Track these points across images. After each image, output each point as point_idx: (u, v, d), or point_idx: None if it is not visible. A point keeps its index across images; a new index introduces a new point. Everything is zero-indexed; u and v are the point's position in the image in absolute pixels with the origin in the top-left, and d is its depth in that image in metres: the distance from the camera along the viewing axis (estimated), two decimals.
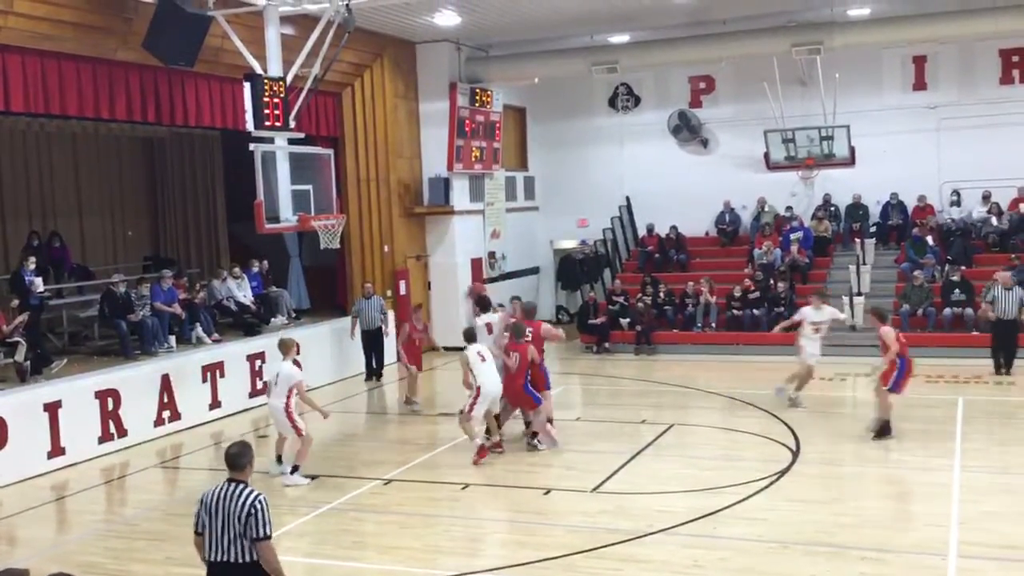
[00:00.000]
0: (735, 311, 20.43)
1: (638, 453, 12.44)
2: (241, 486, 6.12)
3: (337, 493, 11.12)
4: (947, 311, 19.07)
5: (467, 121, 21.51)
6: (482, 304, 14.16)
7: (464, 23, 18.97)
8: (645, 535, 9.39)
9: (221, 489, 6.14)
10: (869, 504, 10.35)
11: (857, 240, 21.99)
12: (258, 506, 6.01)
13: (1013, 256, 19.63)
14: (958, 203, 21.73)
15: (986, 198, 21.37)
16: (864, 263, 21.35)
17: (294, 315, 19.20)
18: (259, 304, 18.27)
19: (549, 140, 25.41)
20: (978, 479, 10.80)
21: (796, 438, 12.75)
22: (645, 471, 11.73)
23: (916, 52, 21.93)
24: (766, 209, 23.20)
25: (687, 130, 23.98)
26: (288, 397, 11.43)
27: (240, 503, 6.01)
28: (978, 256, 20.59)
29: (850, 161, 22.26)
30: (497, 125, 22.63)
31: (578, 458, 12.34)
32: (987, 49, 21.35)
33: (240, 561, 6.01)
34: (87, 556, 9.57)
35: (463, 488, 11.10)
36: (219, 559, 6.06)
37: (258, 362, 16.55)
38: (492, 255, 23.09)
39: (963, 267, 19.86)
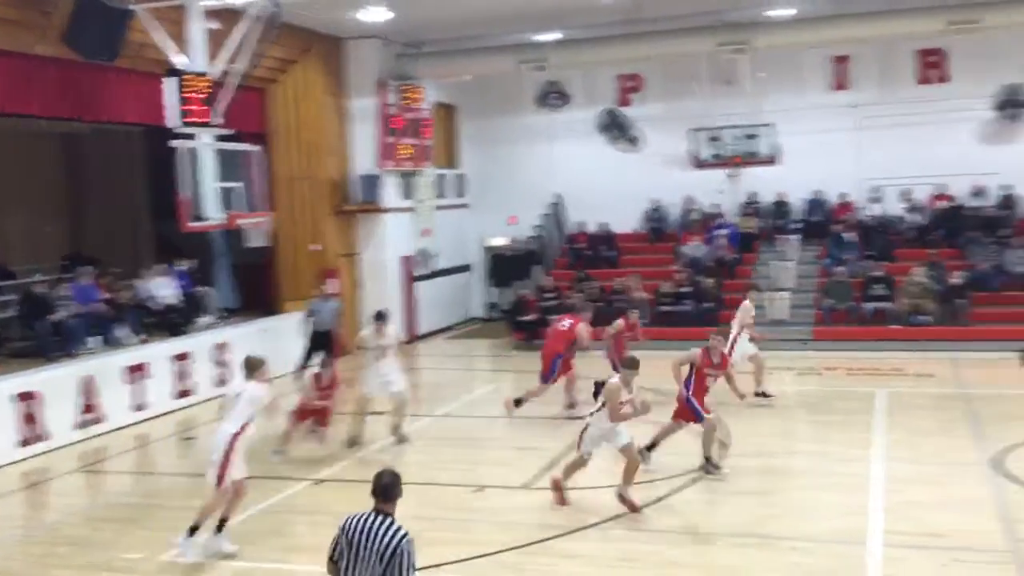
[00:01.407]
0: (665, 307, 20.66)
1: (571, 448, 12.50)
2: (388, 520, 5.62)
3: (268, 494, 10.97)
4: (869, 306, 19.57)
5: (396, 118, 21.39)
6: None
7: (394, 19, 18.85)
8: (577, 530, 9.45)
9: (366, 519, 5.63)
10: (796, 495, 10.58)
11: (781, 236, 22.42)
12: (405, 547, 5.51)
13: (931, 252, 20.26)
14: (879, 200, 22.29)
15: (905, 195, 21.97)
16: (788, 259, 21.77)
17: (222, 314, 18.88)
18: (185, 303, 17.93)
19: (480, 138, 25.40)
20: (897, 470, 11.09)
21: (727, 433, 12.95)
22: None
23: (838, 52, 22.42)
24: (694, 206, 23.53)
25: (616, 128, 24.16)
26: (243, 427, 9.14)
27: (386, 540, 5.51)
28: (898, 251, 21.16)
29: (775, 159, 22.71)
30: (427, 122, 22.54)
31: (510, 455, 12.37)
32: (905, 50, 21.93)
33: None
34: (6, 562, 9.31)
35: None
36: None
37: (183, 363, 16.24)
38: (423, 252, 23.01)
39: (884, 262, 20.41)
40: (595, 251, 23.45)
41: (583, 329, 14.57)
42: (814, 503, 10.27)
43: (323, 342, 17.34)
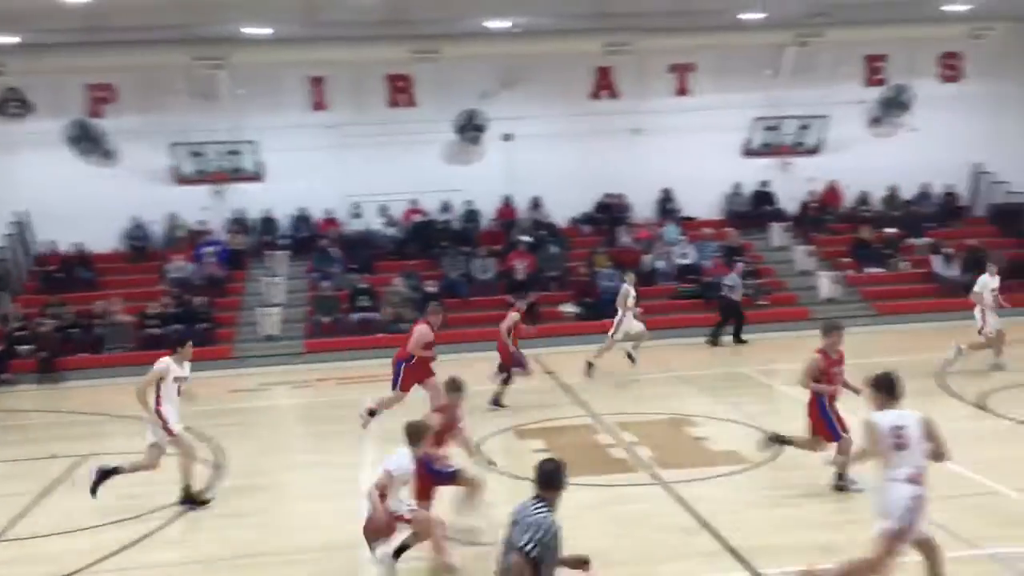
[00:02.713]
0: (152, 329, 19.69)
1: (47, 491, 11.39)
2: (541, 503, 6.09)
3: None
4: (355, 316, 20.45)
5: None
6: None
7: None
8: None
9: (524, 503, 6.17)
10: (292, 508, 10.65)
11: (270, 253, 22.55)
12: (541, 523, 5.89)
13: (408, 263, 21.75)
14: (359, 215, 23.39)
15: (383, 210, 23.32)
16: (278, 275, 21.97)
17: None
18: None
19: None
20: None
21: (222, 454, 12.68)
22: (57, 509, 10.76)
23: (315, 73, 23.13)
24: (179, 223, 22.75)
25: (87, 141, 22.53)
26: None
27: (530, 519, 5.95)
28: (379, 264, 22.37)
29: (260, 176, 22.79)
30: None
31: None
32: (377, 74, 23.28)
33: None
34: None
35: None
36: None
37: None
38: None
39: (367, 275, 21.46)
40: (69, 273, 21.63)
41: (419, 331, 13.26)
42: (312, 515, 10.39)
43: None
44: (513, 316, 15.28)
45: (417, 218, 23.47)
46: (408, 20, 20.32)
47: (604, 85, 24.13)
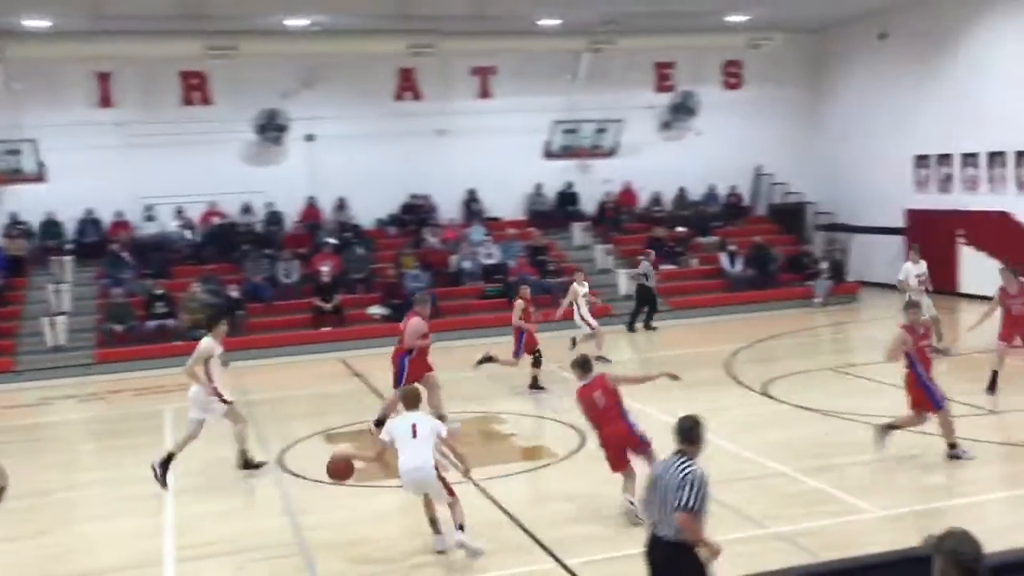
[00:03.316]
0: None
1: None
2: (684, 458, 6.12)
3: None
4: (151, 323, 19.56)
5: None
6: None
7: None
8: None
9: (667, 459, 6.23)
10: (85, 527, 10.10)
11: (54, 258, 21.20)
12: (691, 478, 5.97)
13: (207, 267, 20.99)
14: (153, 218, 22.38)
15: (179, 212, 22.41)
16: (63, 282, 20.69)
17: None
18: None
19: None
20: (186, 484, 11.16)
21: (2, 475, 11.84)
22: None
23: (101, 69, 21.93)
24: None
25: None
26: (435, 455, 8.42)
27: (678, 474, 6.01)
28: (176, 269, 21.48)
29: (42, 177, 21.41)
30: None
31: None
32: (169, 71, 22.35)
33: (668, 538, 5.97)
34: None
35: None
36: (655, 533, 6.09)
37: None
38: None
39: (163, 280, 20.56)
40: None
41: (413, 324, 12.71)
42: (106, 533, 9.90)
43: None
44: (520, 304, 15.41)
45: (216, 221, 22.69)
46: (202, 15, 19.57)
47: (408, 86, 24.14)
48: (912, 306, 11.02)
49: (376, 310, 20.76)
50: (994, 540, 4.91)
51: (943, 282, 21.88)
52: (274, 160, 23.37)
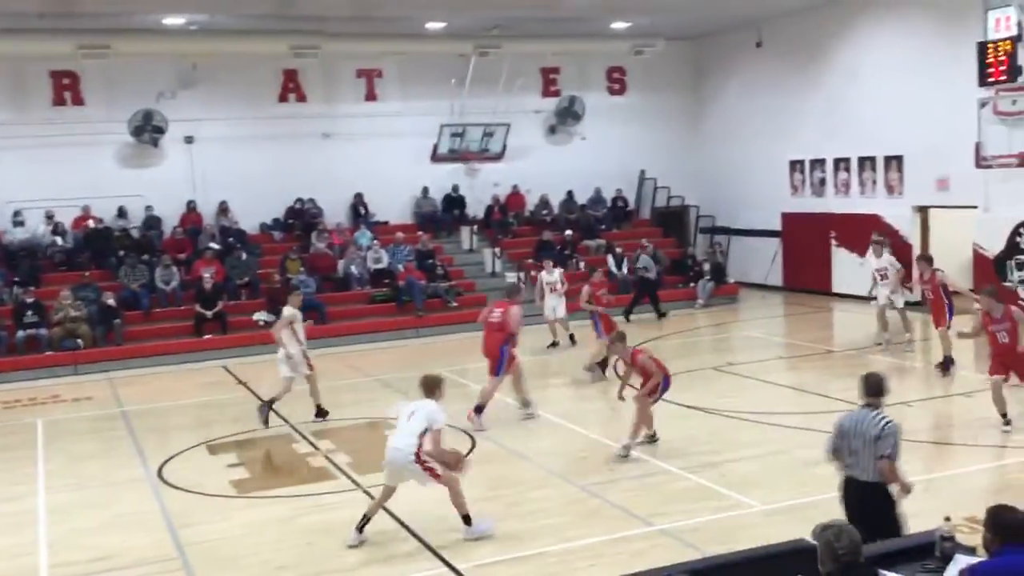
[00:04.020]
0: None
1: None
2: (877, 411, 6.77)
3: None
4: (21, 333, 18.69)
5: None
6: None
7: None
8: None
9: (857, 413, 6.87)
10: None
11: None
12: (890, 429, 6.66)
13: (81, 274, 20.18)
14: (22, 223, 21.39)
15: (50, 217, 21.48)
16: None
17: None
18: None
19: None
20: (61, 499, 10.79)
21: None
22: None
23: None
24: None
25: None
26: (420, 440, 8.64)
27: (874, 428, 6.66)
28: (46, 276, 20.58)
29: None
30: None
31: None
32: (38, 70, 21.43)
33: (864, 480, 6.69)
34: None
35: None
36: (859, 478, 6.72)
37: None
38: None
39: (33, 288, 19.66)
40: None
41: (516, 313, 13.28)
42: None
43: None
44: (587, 289, 16.01)
45: (90, 225, 21.82)
46: (73, 13, 18.81)
47: (292, 88, 23.70)
48: (988, 293, 11.50)
49: (261, 316, 20.32)
50: None
51: (818, 282, 22.74)
52: (152, 163, 22.64)
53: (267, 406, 13.31)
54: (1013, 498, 6.04)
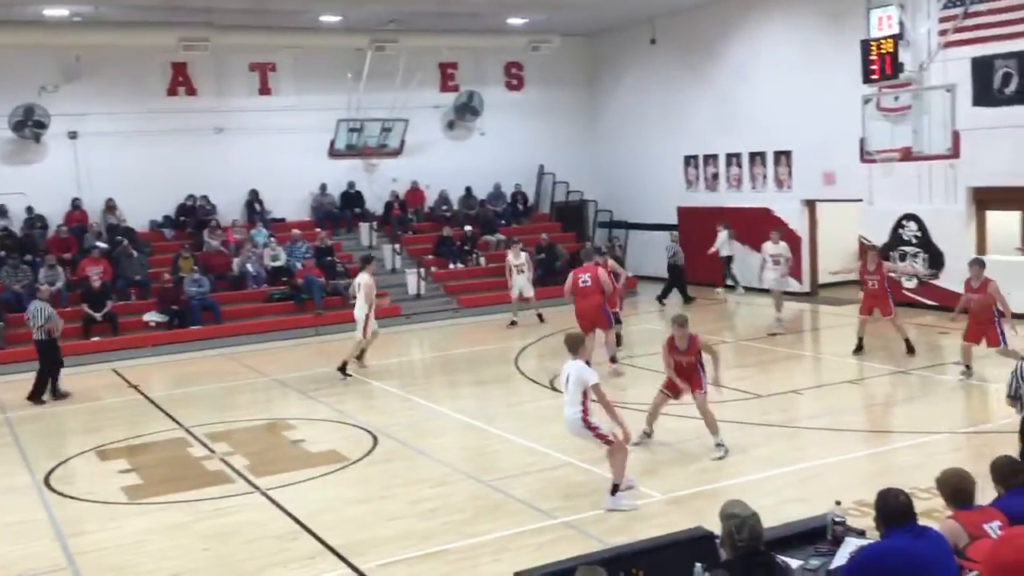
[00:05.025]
0: None
1: None
2: None
3: None
4: None
5: None
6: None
7: None
8: None
9: None
10: None
11: None
12: None
13: None
14: None
15: None
16: None
17: None
18: None
19: None
20: None
21: None
22: None
23: None
24: None
25: None
26: (584, 404, 9.01)
27: None
28: None
29: None
30: None
31: None
32: None
33: None
34: None
35: None
36: None
37: None
38: None
39: None
40: None
41: (603, 273, 14.92)
42: None
43: None
44: (603, 273, 15.50)
45: None
46: None
47: (181, 81, 23.06)
48: (975, 262, 13.40)
49: (152, 316, 19.73)
50: (769, 515, 5.23)
51: (713, 274, 23.24)
52: (34, 159, 21.76)
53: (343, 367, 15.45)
54: (898, 480, 6.28)
